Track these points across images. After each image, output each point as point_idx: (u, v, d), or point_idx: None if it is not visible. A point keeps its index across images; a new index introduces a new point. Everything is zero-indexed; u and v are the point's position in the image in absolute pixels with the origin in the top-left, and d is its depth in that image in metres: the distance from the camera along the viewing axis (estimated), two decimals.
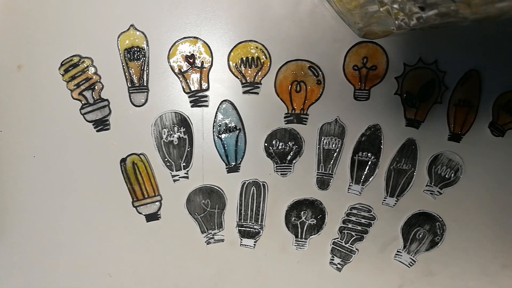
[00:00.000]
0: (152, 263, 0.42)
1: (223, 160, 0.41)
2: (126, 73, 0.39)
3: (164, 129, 0.40)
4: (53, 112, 0.40)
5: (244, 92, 0.40)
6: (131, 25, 0.39)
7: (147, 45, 0.39)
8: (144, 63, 0.39)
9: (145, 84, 0.40)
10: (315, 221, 0.42)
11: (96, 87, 0.39)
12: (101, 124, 0.40)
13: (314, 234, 0.42)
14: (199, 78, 0.40)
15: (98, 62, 0.39)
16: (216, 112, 0.40)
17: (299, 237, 0.42)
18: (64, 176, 0.41)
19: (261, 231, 0.42)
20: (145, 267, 0.42)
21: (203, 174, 0.41)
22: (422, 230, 0.42)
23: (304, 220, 0.42)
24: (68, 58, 0.39)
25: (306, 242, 0.42)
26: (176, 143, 0.40)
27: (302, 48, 0.39)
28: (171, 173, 0.41)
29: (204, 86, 0.40)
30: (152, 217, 0.42)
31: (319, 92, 0.40)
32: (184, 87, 0.40)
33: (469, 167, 0.41)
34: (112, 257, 0.42)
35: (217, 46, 0.39)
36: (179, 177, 0.41)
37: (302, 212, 0.42)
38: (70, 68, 0.39)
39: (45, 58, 0.39)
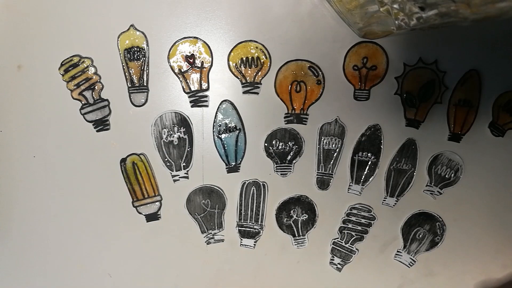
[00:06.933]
0: (152, 263, 0.42)
1: (223, 160, 0.41)
2: (126, 73, 0.39)
3: (164, 129, 0.40)
4: (53, 112, 0.40)
5: (244, 92, 0.40)
6: (131, 25, 0.39)
7: (147, 45, 0.39)
8: (144, 63, 0.39)
9: (145, 84, 0.40)
10: (307, 216, 0.42)
11: (96, 87, 0.39)
12: (101, 124, 0.40)
13: (310, 229, 0.42)
14: (199, 78, 0.40)
15: (98, 62, 0.39)
16: (216, 112, 0.40)
17: (297, 235, 0.42)
18: (64, 176, 0.41)
19: (261, 231, 0.42)
20: (145, 267, 0.42)
21: (203, 174, 0.41)
22: (422, 230, 0.42)
23: (296, 218, 0.42)
24: (68, 58, 0.39)
25: (305, 238, 0.42)
26: (176, 143, 0.40)
27: (302, 48, 0.39)
28: (171, 173, 0.41)
29: (204, 86, 0.40)
30: (152, 217, 0.42)
31: (319, 92, 0.40)
32: (184, 87, 0.40)
33: (469, 167, 0.41)
34: (112, 257, 0.42)
35: (217, 46, 0.39)
36: (179, 177, 0.41)
37: (292, 211, 0.42)
38: (70, 68, 0.39)
39: (45, 58, 0.39)
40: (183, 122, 0.40)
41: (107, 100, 0.40)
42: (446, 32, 0.39)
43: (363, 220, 0.42)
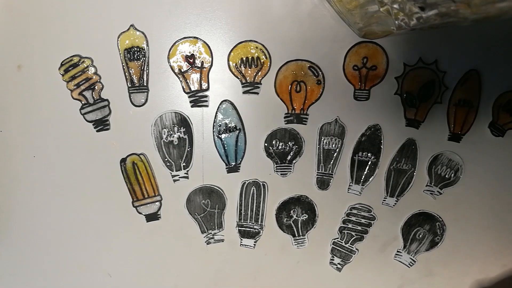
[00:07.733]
0: (152, 263, 0.42)
1: (223, 160, 0.41)
2: (126, 73, 0.39)
3: (164, 129, 0.40)
4: (53, 112, 0.40)
5: (244, 92, 0.40)
6: (131, 25, 0.39)
7: (147, 45, 0.39)
8: (144, 63, 0.39)
9: (145, 84, 0.40)
10: (307, 216, 0.42)
11: (96, 87, 0.39)
12: (101, 124, 0.40)
13: (310, 229, 0.42)
14: (199, 78, 0.40)
15: (98, 62, 0.39)
16: (216, 112, 0.40)
17: (297, 235, 0.42)
18: (64, 176, 0.41)
19: (261, 231, 0.42)
20: (145, 267, 0.42)
21: (203, 174, 0.41)
22: (422, 230, 0.42)
23: (296, 218, 0.42)
24: (68, 58, 0.39)
25: (305, 238, 0.42)
26: (176, 143, 0.40)
27: (302, 48, 0.39)
28: (171, 173, 0.41)
29: (204, 86, 0.40)
30: (152, 217, 0.42)
31: (319, 92, 0.40)
32: (184, 87, 0.40)
33: (469, 167, 0.41)
34: (112, 257, 0.42)
35: (217, 46, 0.39)
36: (179, 177, 0.41)
37: (292, 211, 0.42)
38: (70, 68, 0.39)
39: (45, 58, 0.39)
40: (183, 122, 0.40)
41: (107, 100, 0.40)
42: (446, 32, 0.39)
43: (363, 220, 0.42)
